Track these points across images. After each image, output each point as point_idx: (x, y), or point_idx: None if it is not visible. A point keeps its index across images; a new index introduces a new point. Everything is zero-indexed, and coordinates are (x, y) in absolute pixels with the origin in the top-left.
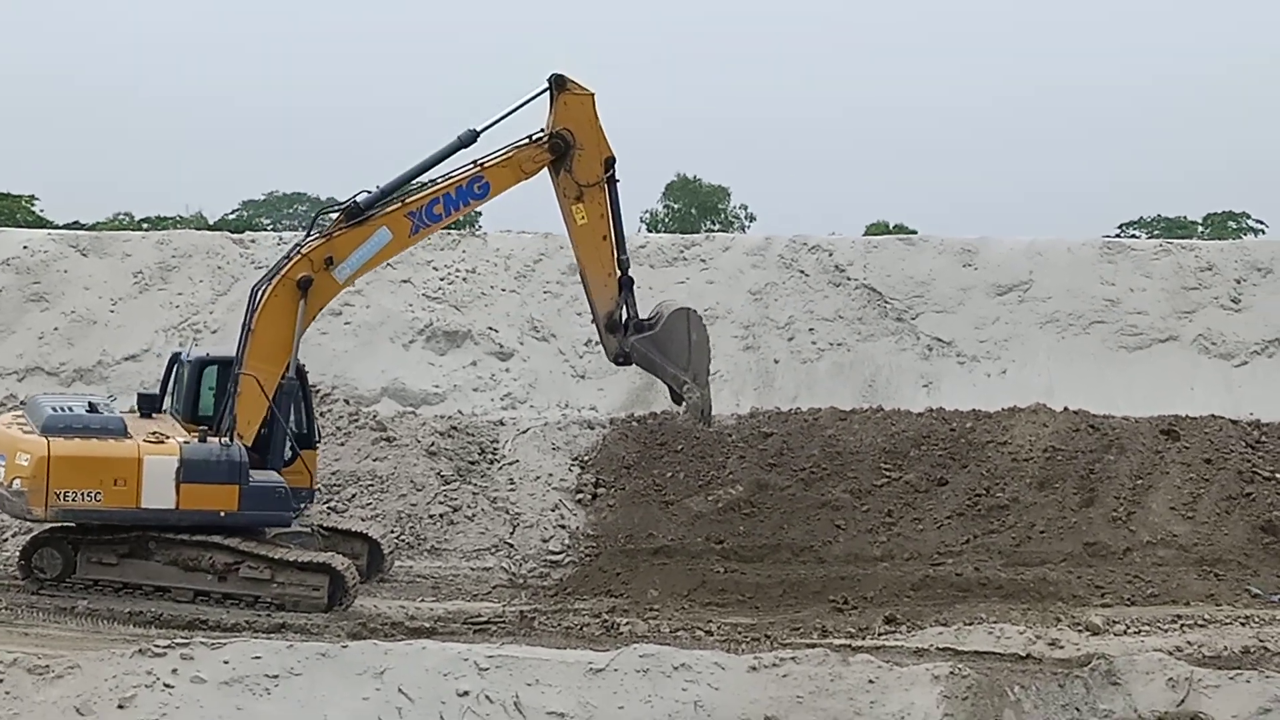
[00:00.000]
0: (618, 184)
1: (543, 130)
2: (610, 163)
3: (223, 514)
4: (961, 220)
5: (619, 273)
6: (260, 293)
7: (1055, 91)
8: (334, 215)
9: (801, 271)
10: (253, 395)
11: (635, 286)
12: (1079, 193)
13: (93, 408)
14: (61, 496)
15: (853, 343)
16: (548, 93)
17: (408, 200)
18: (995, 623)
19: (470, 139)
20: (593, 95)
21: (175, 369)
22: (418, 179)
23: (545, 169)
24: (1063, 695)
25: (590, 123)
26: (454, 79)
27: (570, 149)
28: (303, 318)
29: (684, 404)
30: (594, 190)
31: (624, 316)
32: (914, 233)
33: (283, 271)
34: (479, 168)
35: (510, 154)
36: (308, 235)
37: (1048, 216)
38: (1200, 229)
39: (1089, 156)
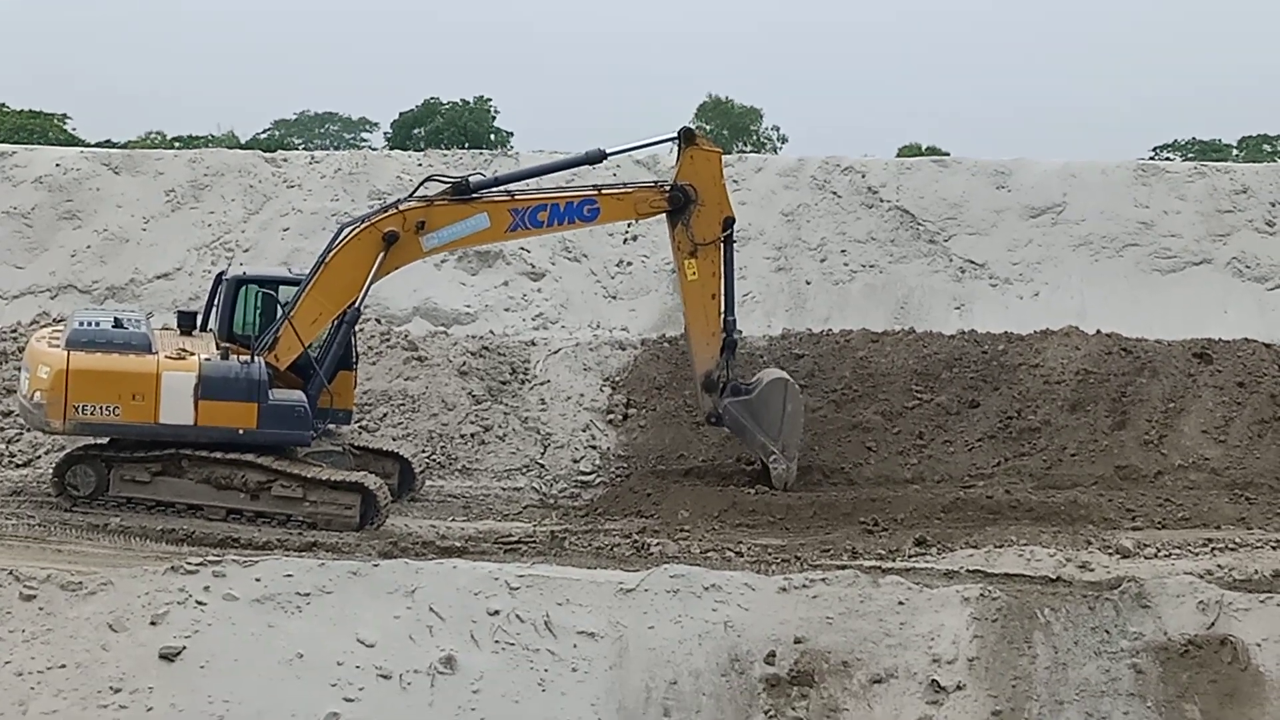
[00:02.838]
0: (734, 244)
1: (666, 182)
2: (729, 223)
3: (241, 431)
4: (995, 144)
5: (724, 333)
6: (346, 233)
7: (1088, 15)
8: (441, 186)
9: (834, 193)
10: (303, 328)
11: (737, 348)
12: (1112, 115)
13: (119, 323)
14: (79, 409)
15: (885, 264)
16: (675, 144)
17: (517, 197)
18: (1025, 545)
19: (598, 157)
20: (720, 153)
21: (217, 287)
22: (532, 180)
23: (661, 215)
24: (1092, 618)
25: (715, 180)
26: None
27: (690, 204)
28: (378, 269)
29: (771, 474)
30: (709, 249)
31: (721, 377)
32: (947, 155)
33: (374, 221)
34: (596, 192)
35: (631, 191)
36: (409, 197)
37: (1081, 141)
38: (1235, 152)
39: (1122, 78)
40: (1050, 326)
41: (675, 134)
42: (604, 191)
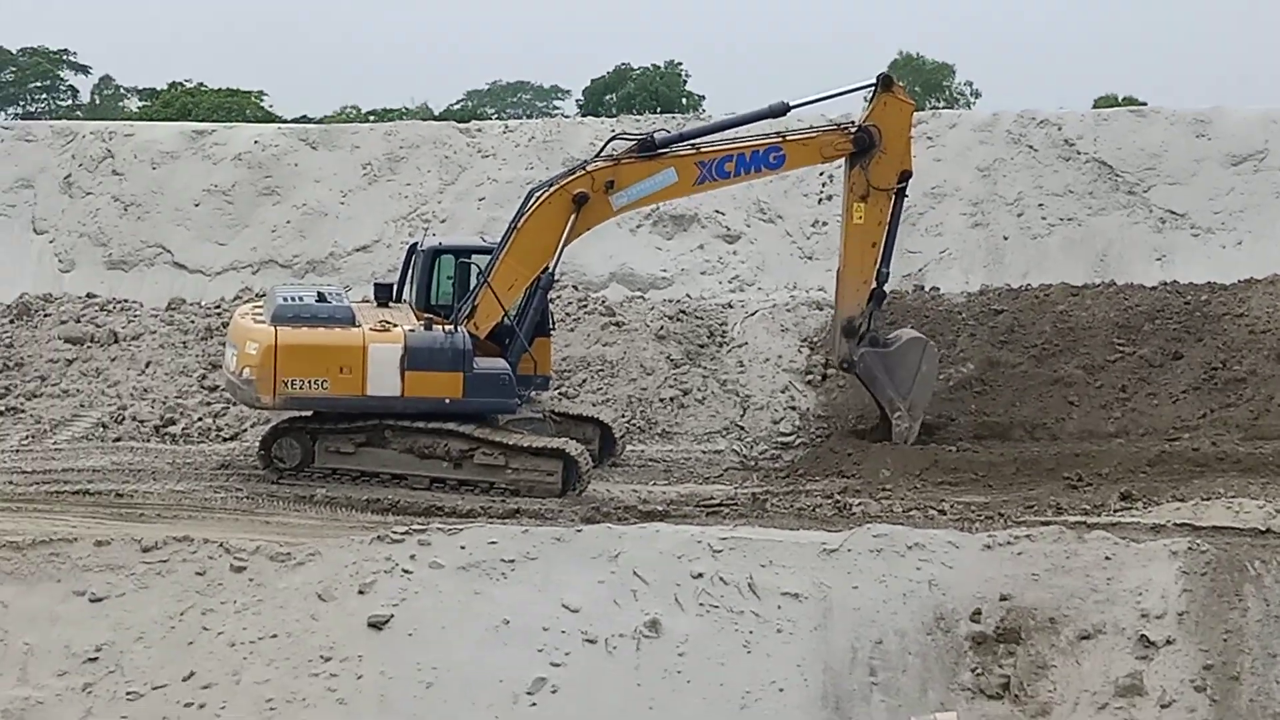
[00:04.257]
0: (905, 199)
1: (853, 122)
2: (906, 176)
3: (448, 401)
4: (1193, 92)
5: (874, 284)
6: (536, 197)
7: None
8: (626, 145)
9: (1030, 147)
10: (500, 293)
11: (884, 302)
12: None
13: (322, 297)
14: (289, 384)
15: (1083, 217)
16: (872, 89)
17: (703, 149)
18: (1233, 497)
19: (781, 110)
20: (913, 106)
21: (411, 258)
22: (719, 133)
23: (843, 159)
24: None
25: (902, 131)
26: None
27: (874, 148)
28: (569, 232)
29: (893, 429)
30: (881, 195)
31: (864, 326)
32: (1144, 104)
33: (563, 183)
34: (781, 139)
35: (815, 135)
36: (595, 157)
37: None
38: None
39: None
40: (1254, 275)
41: (875, 80)
42: (789, 138)
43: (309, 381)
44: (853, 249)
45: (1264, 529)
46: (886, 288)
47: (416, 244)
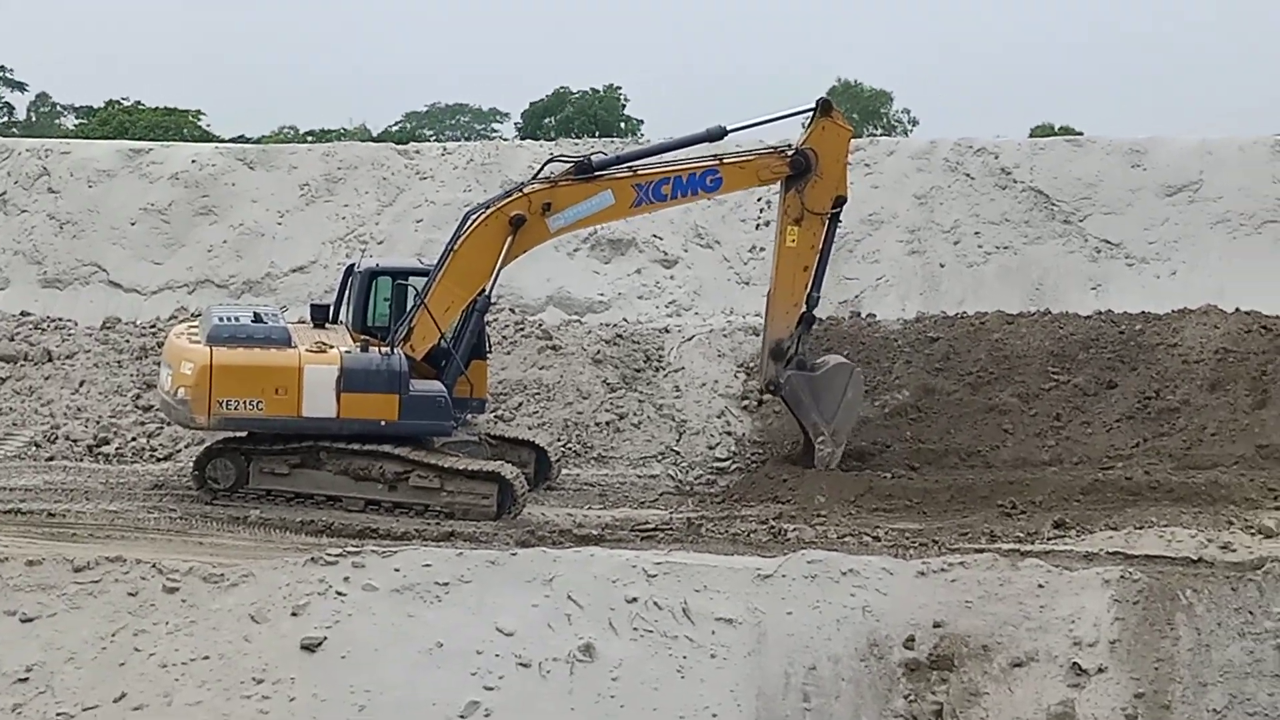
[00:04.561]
0: (839, 225)
1: (789, 145)
2: (840, 201)
3: (383, 423)
4: (1129, 122)
5: (804, 308)
6: (473, 219)
7: None
8: (563, 167)
9: (967, 175)
10: (437, 315)
11: (814, 326)
12: (1249, 94)
13: (258, 317)
14: (224, 404)
15: (1019, 245)
16: (810, 114)
17: (640, 172)
18: (1166, 526)
19: (719, 134)
20: (850, 133)
21: (348, 279)
22: (656, 156)
23: (779, 182)
24: (1235, 599)
25: (839, 156)
26: None
27: (809, 172)
28: (506, 254)
29: (816, 454)
30: (815, 219)
31: (792, 349)
32: (1080, 134)
33: (500, 205)
34: (718, 161)
35: (752, 158)
36: (532, 179)
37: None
38: None
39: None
40: (1188, 305)
41: (814, 104)
42: (725, 161)
43: (244, 402)
44: (784, 272)
45: (1196, 558)
46: (817, 312)
47: (354, 265)
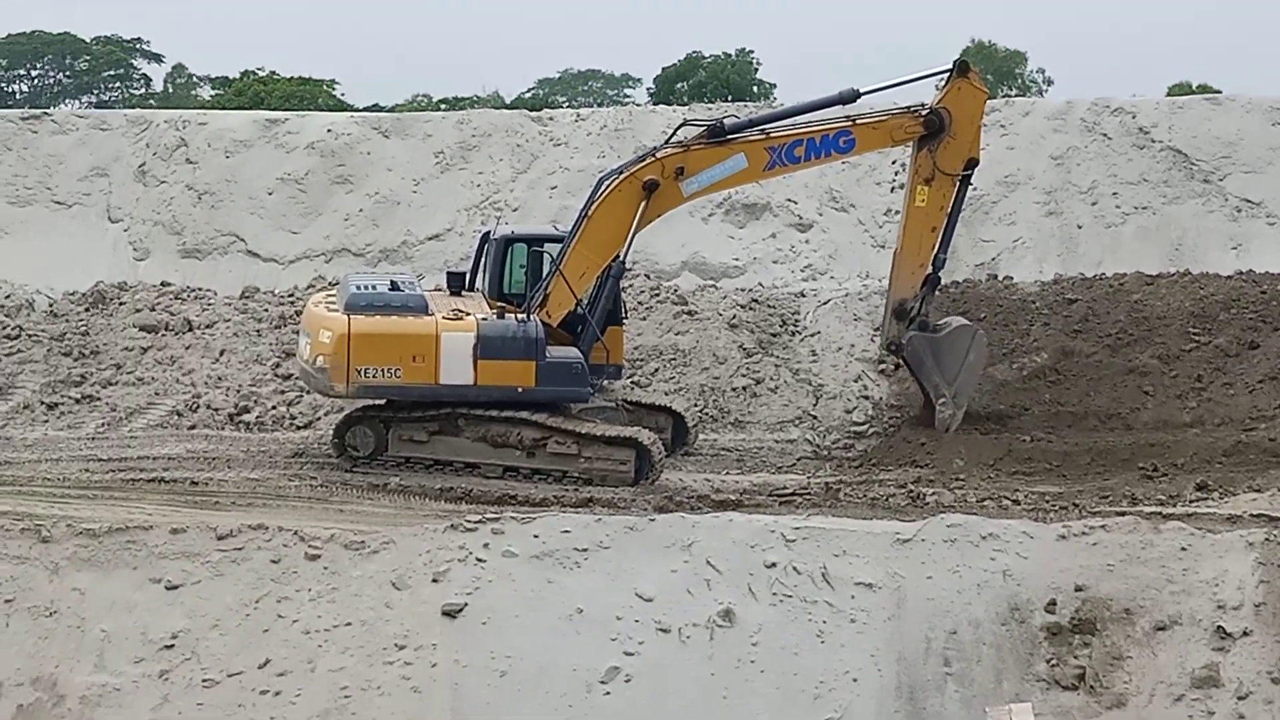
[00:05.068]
0: (969, 187)
1: (924, 105)
2: (972, 163)
3: (520, 389)
4: (1270, 79)
5: (930, 269)
6: (606, 185)
7: None
8: (696, 131)
9: (1104, 135)
10: (572, 281)
11: (938, 288)
12: None
13: (395, 285)
14: (362, 373)
15: (1158, 206)
16: (948, 74)
17: (772, 135)
18: None
19: (851, 96)
20: (986, 94)
21: (484, 247)
22: (789, 119)
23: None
24: None
25: (973, 118)
26: None
27: (943, 132)
28: (640, 219)
29: (936, 415)
30: (946, 180)
31: (915, 310)
32: (1219, 92)
33: (633, 170)
34: (851, 122)
35: (885, 118)
36: (665, 144)
37: None
38: None
39: None
40: None
41: (951, 65)
42: (859, 121)
43: (382, 370)
44: (912, 231)
45: None
46: (952, 275)
47: (489, 232)
